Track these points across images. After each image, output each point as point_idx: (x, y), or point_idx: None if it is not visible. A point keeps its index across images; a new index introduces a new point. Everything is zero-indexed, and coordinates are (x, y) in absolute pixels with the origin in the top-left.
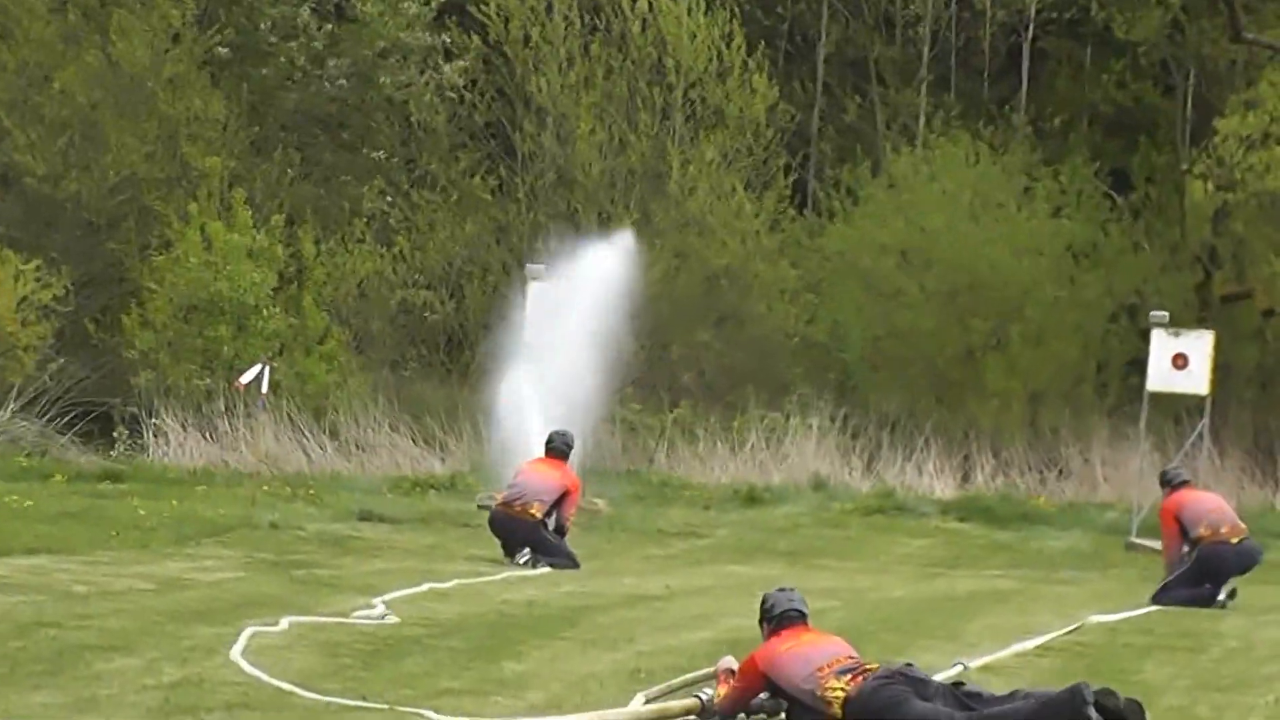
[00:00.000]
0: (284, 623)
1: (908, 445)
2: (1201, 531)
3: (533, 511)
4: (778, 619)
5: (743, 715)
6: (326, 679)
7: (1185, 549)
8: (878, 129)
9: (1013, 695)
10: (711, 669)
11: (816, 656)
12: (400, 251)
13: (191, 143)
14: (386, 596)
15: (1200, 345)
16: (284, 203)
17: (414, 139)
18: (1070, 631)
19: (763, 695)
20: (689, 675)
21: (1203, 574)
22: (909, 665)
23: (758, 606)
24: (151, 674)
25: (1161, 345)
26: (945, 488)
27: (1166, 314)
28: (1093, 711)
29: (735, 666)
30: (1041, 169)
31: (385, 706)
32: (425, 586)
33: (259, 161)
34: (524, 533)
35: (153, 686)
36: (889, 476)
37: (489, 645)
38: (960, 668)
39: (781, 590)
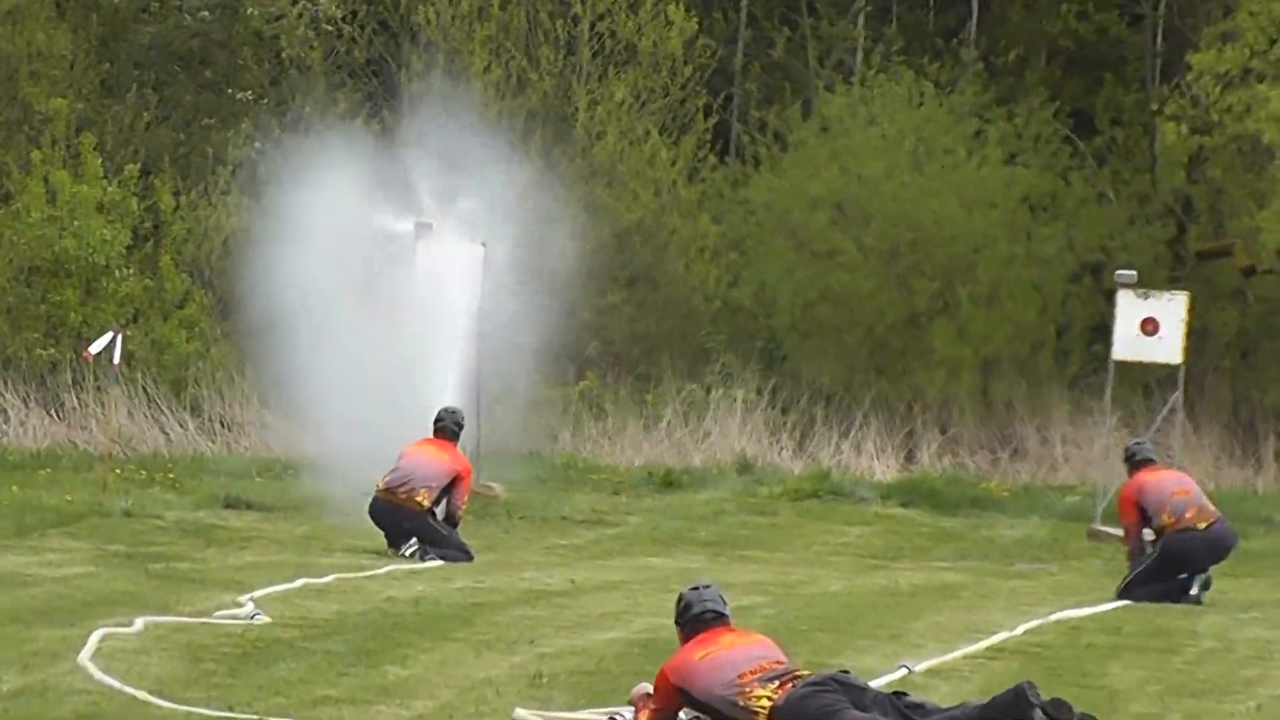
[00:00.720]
0: (138, 623)
1: (844, 421)
2: (1165, 519)
3: (419, 499)
4: (693, 621)
5: None
6: (188, 686)
7: (1150, 538)
8: (809, 65)
9: (961, 706)
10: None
11: (738, 662)
12: (271, 205)
13: (34, 82)
14: (256, 593)
15: (1173, 308)
16: (139, 150)
17: (285, 78)
18: (1027, 631)
19: (684, 716)
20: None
21: (1169, 566)
22: (844, 671)
23: (674, 604)
24: None
25: (1129, 308)
26: (886, 469)
27: (1134, 273)
28: (1039, 714)
29: (651, 690)
30: (994, 110)
31: (254, 717)
32: (299, 582)
33: (110, 103)
34: (410, 522)
35: None
36: (823, 457)
37: (371, 648)
38: (905, 671)
39: (696, 588)
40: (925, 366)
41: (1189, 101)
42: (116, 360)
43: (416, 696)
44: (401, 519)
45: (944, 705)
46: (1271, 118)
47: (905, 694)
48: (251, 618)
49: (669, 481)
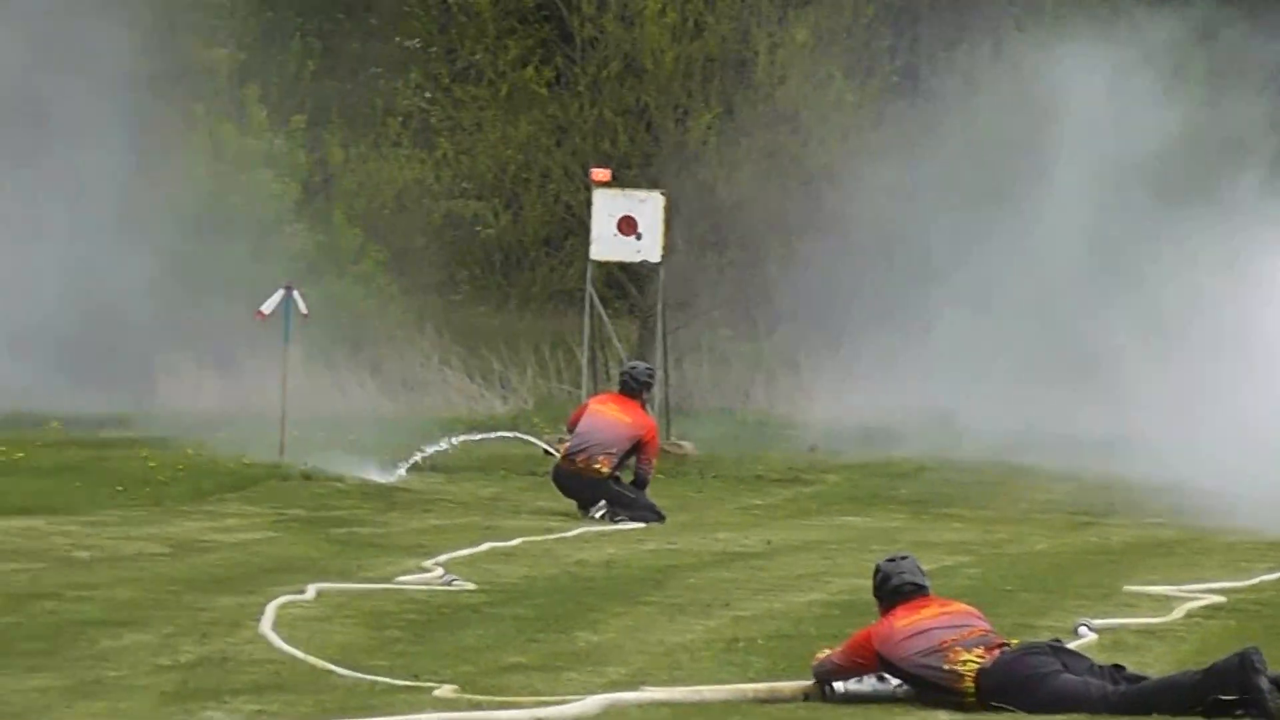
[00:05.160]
0: (310, 590)
1: None
2: None
3: (598, 467)
4: (891, 593)
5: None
6: (371, 654)
7: None
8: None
9: (1183, 673)
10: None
11: (942, 629)
12: (444, 156)
13: (193, 32)
14: (441, 558)
15: None
16: (305, 101)
17: (454, 25)
18: (1246, 588)
19: (893, 681)
20: None
21: None
22: (1056, 640)
23: (873, 565)
24: (167, 652)
25: None
26: None
27: None
28: (1264, 680)
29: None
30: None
31: (440, 685)
32: (486, 546)
33: (274, 53)
34: (592, 490)
35: (168, 666)
36: None
37: (561, 613)
38: (1084, 631)
39: (894, 560)
40: None
41: None
42: (292, 318)
43: (608, 663)
44: (583, 487)
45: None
46: None
47: (1124, 667)
48: (449, 583)
49: (867, 437)
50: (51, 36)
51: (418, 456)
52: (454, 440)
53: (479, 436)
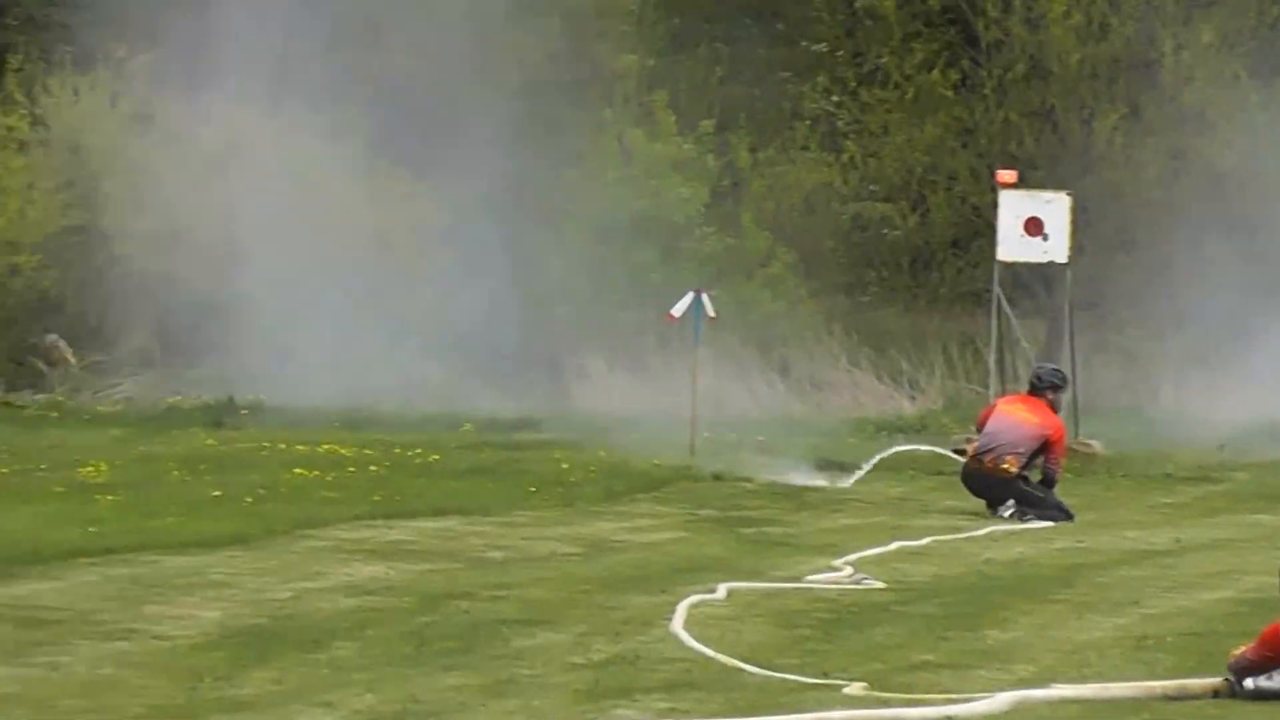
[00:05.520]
0: (720, 590)
1: None
2: None
3: (1006, 467)
4: None
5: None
6: (781, 653)
7: None
8: None
9: None
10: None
11: None
12: (851, 159)
13: (602, 39)
14: (850, 557)
15: None
16: (713, 105)
17: (860, 29)
18: None
19: None
20: None
21: None
22: None
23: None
24: (579, 651)
25: None
26: None
27: None
28: None
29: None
30: None
31: (849, 683)
32: (894, 545)
33: (681, 58)
34: (1000, 491)
35: (581, 665)
36: None
37: (970, 611)
38: None
39: None
40: None
41: None
42: (710, 313)
43: (1017, 660)
44: (991, 486)
45: None
46: None
47: None
48: (859, 582)
49: (1278, 435)
50: (464, 47)
51: (876, 458)
52: (918, 448)
53: (907, 448)
